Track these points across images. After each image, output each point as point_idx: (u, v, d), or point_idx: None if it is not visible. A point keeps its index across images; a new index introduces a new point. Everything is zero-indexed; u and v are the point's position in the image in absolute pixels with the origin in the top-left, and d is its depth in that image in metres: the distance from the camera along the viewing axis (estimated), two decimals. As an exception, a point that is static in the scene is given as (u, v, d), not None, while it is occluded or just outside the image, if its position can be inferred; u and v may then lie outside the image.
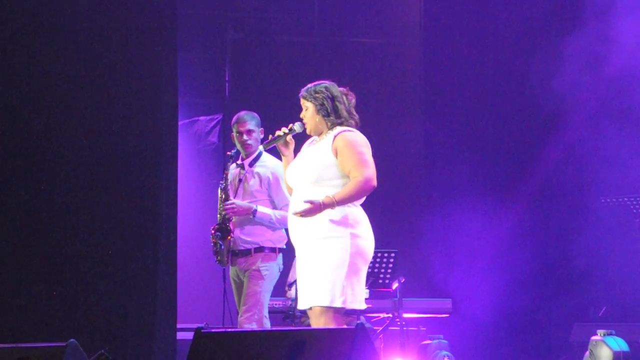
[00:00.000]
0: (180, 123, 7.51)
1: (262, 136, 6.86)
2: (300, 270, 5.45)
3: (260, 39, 9.87)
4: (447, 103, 9.40)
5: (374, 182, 5.37)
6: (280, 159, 5.86)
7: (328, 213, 5.31)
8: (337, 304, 5.28)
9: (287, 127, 5.63)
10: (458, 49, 9.43)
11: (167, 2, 6.78)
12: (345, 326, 5.39)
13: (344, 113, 5.50)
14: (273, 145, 5.69)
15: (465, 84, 9.33)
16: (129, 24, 6.65)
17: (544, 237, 9.08)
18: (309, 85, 5.58)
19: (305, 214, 5.30)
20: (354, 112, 5.57)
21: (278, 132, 5.65)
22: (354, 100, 5.59)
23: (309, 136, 5.64)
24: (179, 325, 7.02)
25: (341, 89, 5.58)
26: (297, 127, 5.62)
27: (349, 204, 5.36)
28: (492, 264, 9.06)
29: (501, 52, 9.32)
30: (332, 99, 5.51)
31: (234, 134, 6.89)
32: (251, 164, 6.84)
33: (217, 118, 9.92)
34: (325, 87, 5.54)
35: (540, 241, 9.08)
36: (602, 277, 8.87)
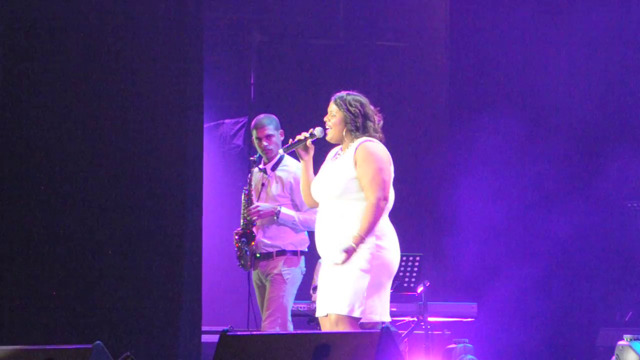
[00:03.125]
0: (205, 126, 7.52)
1: (282, 138, 6.84)
2: (323, 279, 5.44)
3: (285, 41, 9.87)
4: (474, 106, 9.36)
5: (384, 203, 5.33)
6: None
7: (355, 225, 5.31)
8: (356, 313, 5.26)
9: (307, 131, 5.61)
10: (484, 51, 9.39)
11: (193, 5, 6.81)
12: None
13: (372, 132, 5.47)
14: (293, 150, 5.68)
15: (491, 87, 9.29)
16: (155, 27, 6.68)
17: (569, 241, 9.03)
18: (344, 94, 5.52)
19: (343, 262, 5.30)
20: (380, 131, 5.53)
21: (299, 137, 5.62)
22: (381, 122, 5.56)
23: (331, 143, 5.60)
24: (204, 328, 7.03)
25: (372, 107, 5.55)
26: (317, 132, 5.59)
27: None
28: (517, 268, 9.02)
29: (528, 55, 9.28)
30: (365, 116, 5.48)
31: (254, 139, 6.88)
32: (273, 168, 6.83)
33: (242, 121, 9.94)
34: (361, 104, 5.48)
35: (565, 246, 9.04)
36: (628, 281, 8.82)
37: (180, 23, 6.72)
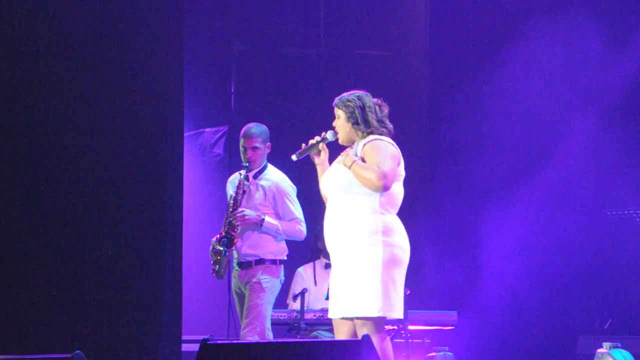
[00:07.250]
0: (185, 135, 7.51)
1: (268, 151, 6.86)
2: (335, 278, 5.45)
3: (266, 50, 9.87)
4: (454, 116, 9.39)
5: (387, 183, 5.37)
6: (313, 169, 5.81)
7: (363, 221, 5.31)
8: (374, 313, 5.29)
9: (320, 135, 5.64)
10: (464, 61, 9.42)
11: (174, 13, 6.80)
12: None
13: (374, 122, 5.52)
14: (306, 155, 5.69)
15: (472, 97, 9.32)
16: (134, 35, 6.67)
17: (549, 249, 9.06)
18: (343, 95, 5.60)
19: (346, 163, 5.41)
20: (387, 122, 5.59)
21: (311, 141, 5.65)
22: (386, 110, 5.62)
23: (344, 146, 5.63)
24: (184, 337, 7.01)
25: (375, 99, 5.58)
26: (329, 135, 5.63)
27: (384, 212, 5.39)
28: (498, 276, 9.04)
29: (507, 64, 9.31)
30: (363, 108, 5.53)
31: (240, 146, 6.88)
32: (255, 176, 6.84)
33: (222, 130, 9.92)
34: (357, 97, 5.56)
35: (545, 254, 9.06)
36: (608, 289, 8.85)
37: (160, 32, 6.71)
